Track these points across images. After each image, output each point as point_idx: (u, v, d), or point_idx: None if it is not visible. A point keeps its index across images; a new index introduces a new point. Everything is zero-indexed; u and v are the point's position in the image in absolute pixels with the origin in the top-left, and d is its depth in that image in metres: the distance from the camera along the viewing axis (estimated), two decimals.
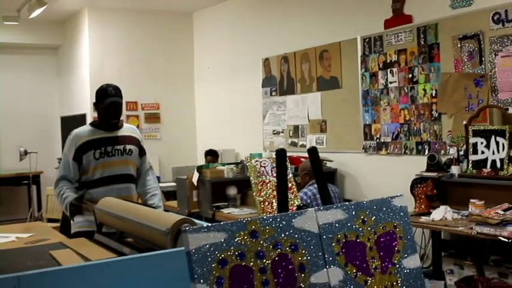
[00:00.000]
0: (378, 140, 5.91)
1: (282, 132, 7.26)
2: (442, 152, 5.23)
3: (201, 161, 8.16)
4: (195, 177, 5.58)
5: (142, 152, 3.89)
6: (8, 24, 8.60)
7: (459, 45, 5.07)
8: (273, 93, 7.41)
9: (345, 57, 6.30)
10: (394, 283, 1.97)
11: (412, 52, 5.52)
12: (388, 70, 5.77)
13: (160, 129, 9.07)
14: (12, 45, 9.62)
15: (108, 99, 3.58)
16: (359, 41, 6.10)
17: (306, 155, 6.32)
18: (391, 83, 5.75)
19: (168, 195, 6.90)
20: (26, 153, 8.33)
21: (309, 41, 6.79)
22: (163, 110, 9.10)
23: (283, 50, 7.21)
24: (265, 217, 1.71)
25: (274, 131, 7.40)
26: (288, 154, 6.38)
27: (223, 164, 5.92)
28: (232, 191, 5.61)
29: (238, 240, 1.60)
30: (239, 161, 6.09)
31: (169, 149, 8.99)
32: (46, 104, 9.77)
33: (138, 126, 8.69)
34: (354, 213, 1.93)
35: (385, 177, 5.78)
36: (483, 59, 4.90)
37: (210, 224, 1.65)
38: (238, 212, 5.32)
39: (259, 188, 3.76)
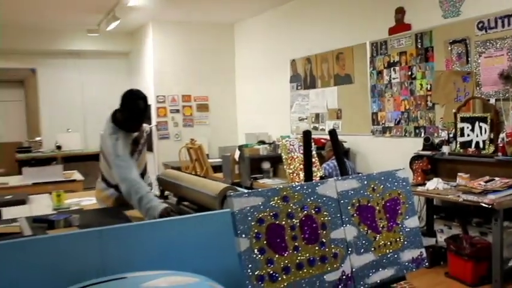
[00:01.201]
0: (383, 125, 5.84)
1: (306, 118, 7.23)
2: (435, 134, 5.15)
3: (242, 141, 8.18)
4: (237, 154, 5.60)
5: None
6: (90, 35, 8.72)
7: (450, 48, 4.96)
8: (299, 88, 7.37)
9: (356, 58, 6.22)
10: (398, 239, 1.96)
11: (411, 54, 5.42)
12: (392, 69, 5.68)
13: (209, 117, 9.10)
14: (94, 52, 9.76)
15: (138, 117, 2.98)
16: (368, 45, 6.01)
17: (326, 136, 6.32)
18: (393, 79, 5.66)
19: (215, 168, 6.94)
20: None
21: (328, 45, 6.72)
22: (211, 101, 9.11)
23: (307, 52, 7.15)
24: (294, 185, 1.72)
25: (299, 117, 7.37)
26: (312, 136, 6.40)
27: (259, 143, 5.93)
28: (266, 165, 5.63)
29: (272, 203, 1.61)
30: (271, 142, 6.09)
31: (215, 132, 9.05)
32: (119, 96, 9.90)
33: (191, 114, 8.82)
34: (365, 182, 1.92)
35: (388, 154, 5.73)
36: (469, 59, 4.79)
37: (249, 190, 1.67)
38: (271, 182, 5.35)
39: (289, 162, 3.76)
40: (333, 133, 1.91)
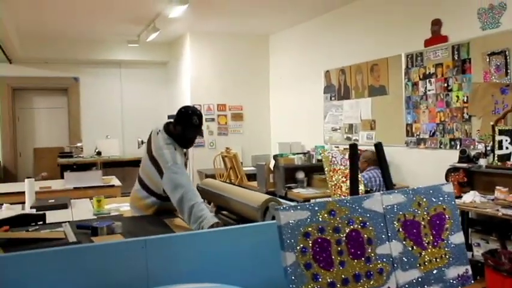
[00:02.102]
0: (417, 136, 5.69)
1: (339, 129, 7.12)
2: (471, 147, 4.98)
3: (275, 150, 8.13)
4: (272, 163, 5.54)
5: None
6: (131, 46, 8.84)
7: (488, 60, 4.80)
8: (332, 98, 7.28)
9: (391, 69, 6.10)
10: (443, 255, 1.88)
11: (448, 66, 5.27)
12: (427, 80, 5.54)
13: (243, 126, 9.09)
14: (134, 61, 9.91)
15: (192, 133, 2.92)
16: (403, 57, 5.89)
17: (360, 147, 6.21)
18: (429, 90, 5.52)
19: (249, 177, 6.90)
20: (142, 143, 8.50)
21: (362, 56, 6.62)
22: (246, 111, 9.10)
23: (341, 64, 7.07)
24: (340, 199, 1.66)
25: (332, 128, 7.27)
26: (344, 146, 6.29)
27: (294, 154, 5.86)
28: (300, 175, 5.56)
29: (319, 217, 1.56)
30: (306, 151, 6.01)
31: (249, 141, 9.04)
32: (157, 105, 10.01)
33: (226, 123, 8.82)
34: (411, 197, 1.85)
35: (423, 166, 5.58)
36: (509, 71, 4.62)
37: (296, 204, 1.62)
38: (305, 192, 5.26)
39: (331, 174, 3.67)
40: (379, 146, 1.84)
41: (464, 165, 4.73)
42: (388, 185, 1.86)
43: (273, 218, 2.10)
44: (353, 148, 1.78)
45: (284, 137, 8.45)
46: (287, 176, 5.49)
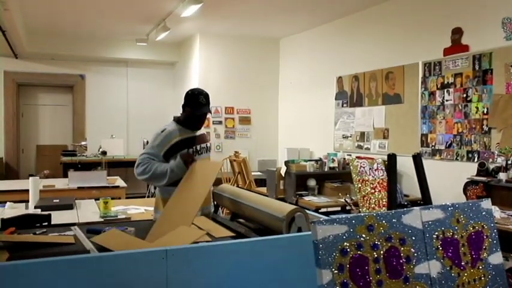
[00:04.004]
0: (433, 147, 5.57)
1: (350, 136, 7.01)
2: (490, 160, 4.86)
3: (282, 156, 8.04)
4: (283, 169, 5.44)
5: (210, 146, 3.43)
6: (139, 44, 8.76)
7: (511, 71, 4.69)
8: (344, 105, 7.18)
9: (407, 78, 5.99)
10: (482, 276, 1.78)
11: (468, 76, 5.16)
12: (445, 90, 5.42)
13: (251, 130, 9.00)
14: (141, 60, 9.84)
15: (200, 110, 3.06)
16: (420, 65, 5.77)
17: (371, 156, 6.10)
18: (447, 100, 5.40)
19: (256, 182, 6.80)
20: (147, 143, 8.45)
21: (377, 63, 6.52)
22: (254, 115, 9.01)
23: (355, 70, 6.96)
24: (379, 213, 1.57)
25: (343, 135, 7.16)
26: (355, 155, 6.18)
27: (306, 160, 5.75)
28: (312, 182, 5.46)
29: (357, 232, 1.48)
30: (318, 158, 5.90)
31: (256, 145, 8.95)
32: (163, 106, 9.93)
33: (233, 127, 8.74)
34: (450, 213, 1.74)
35: (438, 178, 5.45)
36: None
37: (333, 217, 1.53)
38: (316, 200, 5.15)
39: (360, 185, 3.54)
40: (417, 158, 1.73)
41: (483, 178, 4.61)
42: (426, 199, 1.75)
43: (299, 230, 2.00)
44: (392, 159, 1.67)
45: (292, 142, 8.35)
46: (298, 182, 5.38)
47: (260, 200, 2.34)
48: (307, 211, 2.14)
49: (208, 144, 3.31)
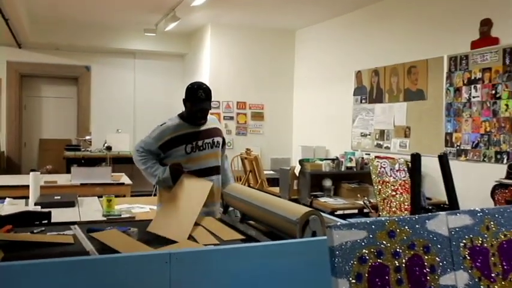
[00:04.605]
0: (458, 147, 5.48)
1: (369, 134, 6.94)
2: None
3: (296, 154, 7.98)
4: (297, 169, 5.39)
5: (224, 142, 3.47)
6: (147, 35, 8.75)
7: None
8: (363, 101, 7.10)
9: (431, 73, 5.89)
10: None
11: (497, 71, 5.05)
12: (472, 86, 5.32)
13: (263, 126, 8.96)
14: (149, 52, 9.83)
15: (198, 106, 3.10)
16: (445, 59, 5.68)
17: (391, 155, 6.02)
18: (474, 97, 5.30)
19: (268, 181, 6.75)
20: None
21: (399, 57, 6.43)
22: (267, 110, 8.97)
23: (375, 64, 6.88)
24: (401, 218, 1.51)
25: (362, 133, 7.09)
26: (374, 154, 6.11)
27: (321, 159, 5.69)
28: (327, 182, 5.41)
29: (377, 238, 1.41)
30: (334, 158, 5.84)
31: (269, 142, 8.90)
32: (172, 99, 9.88)
33: (245, 122, 8.69)
34: (479, 219, 1.67)
35: (463, 180, 5.33)
36: None
37: (351, 221, 1.48)
38: (332, 202, 5.10)
39: (380, 187, 3.47)
40: (443, 158, 1.67)
41: None
42: (454, 205, 1.69)
43: (313, 234, 1.95)
44: (416, 159, 1.61)
45: (307, 140, 8.30)
46: (313, 183, 5.33)
47: (272, 200, 2.30)
48: (323, 214, 2.08)
49: (217, 140, 3.30)
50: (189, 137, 3.15)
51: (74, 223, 2.75)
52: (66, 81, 10.01)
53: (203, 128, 3.22)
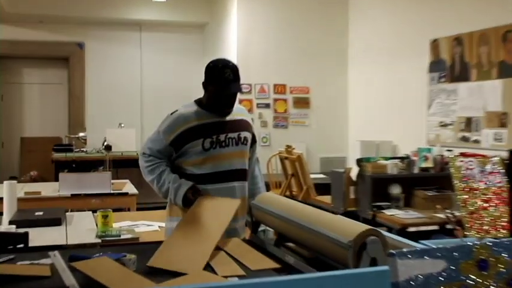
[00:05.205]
0: None
1: (451, 124, 6.81)
2: None
3: (354, 152, 7.88)
4: (354, 171, 5.30)
5: (254, 140, 3.39)
6: (156, 1, 8.78)
7: None
8: (442, 80, 6.98)
9: None
10: None
11: None
12: None
13: (309, 115, 8.94)
14: (159, 22, 9.94)
15: (225, 89, 3.07)
16: None
17: (481, 152, 5.83)
18: None
19: (317, 187, 6.66)
20: None
21: (489, 19, 6.27)
22: (313, 94, 8.95)
23: (456, 29, 6.74)
24: (496, 242, 1.42)
25: (441, 122, 6.97)
26: (458, 150, 5.91)
27: (387, 158, 5.56)
28: (395, 189, 5.30)
29: (462, 271, 1.37)
30: (404, 156, 5.71)
31: (318, 137, 8.90)
32: (190, 83, 9.87)
33: (285, 111, 8.64)
34: None
35: None
36: None
37: (422, 247, 1.36)
38: (403, 215, 4.98)
39: (465, 197, 3.28)
40: None
41: None
42: None
43: (373, 262, 1.84)
44: None
45: (368, 133, 8.27)
46: (375, 190, 5.26)
47: (317, 215, 2.25)
48: (387, 234, 1.97)
49: (244, 135, 3.25)
50: (209, 128, 3.11)
51: (57, 247, 2.74)
52: (53, 63, 10.16)
53: (229, 118, 3.19)
